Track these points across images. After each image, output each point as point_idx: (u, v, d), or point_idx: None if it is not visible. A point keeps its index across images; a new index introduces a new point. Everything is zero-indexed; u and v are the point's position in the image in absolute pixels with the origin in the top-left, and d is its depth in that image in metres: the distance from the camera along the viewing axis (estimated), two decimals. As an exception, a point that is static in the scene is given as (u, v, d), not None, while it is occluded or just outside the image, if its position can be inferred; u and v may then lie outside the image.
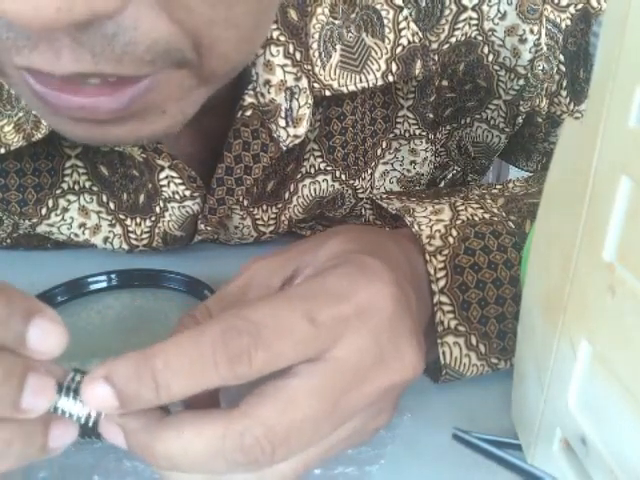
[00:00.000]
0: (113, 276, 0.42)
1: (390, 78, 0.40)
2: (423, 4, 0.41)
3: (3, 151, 0.38)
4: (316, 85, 0.39)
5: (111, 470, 0.28)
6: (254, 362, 0.22)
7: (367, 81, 0.39)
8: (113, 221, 0.44)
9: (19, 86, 0.27)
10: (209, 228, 0.44)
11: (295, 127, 0.39)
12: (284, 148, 0.40)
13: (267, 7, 0.29)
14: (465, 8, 0.41)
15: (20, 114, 0.38)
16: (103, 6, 0.22)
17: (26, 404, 0.22)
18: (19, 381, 0.22)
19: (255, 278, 0.29)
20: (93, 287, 0.41)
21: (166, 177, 0.41)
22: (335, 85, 0.39)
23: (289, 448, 0.23)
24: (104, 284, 0.42)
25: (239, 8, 0.26)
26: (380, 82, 0.40)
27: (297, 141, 0.40)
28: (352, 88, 0.39)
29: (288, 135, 0.39)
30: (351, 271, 0.26)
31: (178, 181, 0.41)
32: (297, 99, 0.38)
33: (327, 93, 0.39)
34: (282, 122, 0.39)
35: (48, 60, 0.24)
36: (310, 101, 0.39)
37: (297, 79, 0.38)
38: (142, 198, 0.43)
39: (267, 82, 0.37)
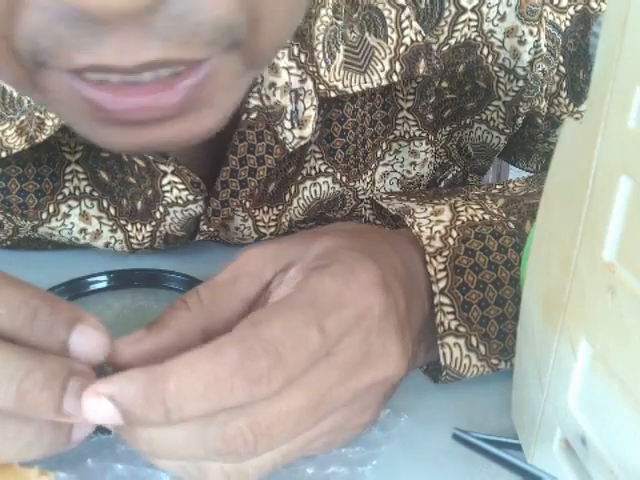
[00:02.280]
0: (113, 276, 0.42)
1: (394, 78, 0.40)
2: (422, 6, 0.41)
3: (4, 155, 0.38)
4: (321, 87, 0.39)
5: (104, 455, 0.28)
6: (274, 382, 0.22)
7: (371, 81, 0.39)
8: (114, 227, 0.44)
9: (59, 96, 0.26)
10: (211, 229, 0.44)
11: (301, 129, 0.39)
12: (290, 150, 0.40)
13: None
14: (464, 10, 0.41)
15: (22, 117, 0.37)
16: None
17: (68, 408, 0.22)
18: (61, 385, 0.22)
19: (248, 267, 0.28)
20: (93, 287, 0.41)
21: (169, 183, 0.41)
22: (340, 86, 0.39)
23: (272, 440, 0.23)
24: (104, 284, 0.42)
25: None
26: (385, 82, 0.40)
27: (303, 143, 0.40)
28: (357, 89, 0.39)
29: (294, 137, 0.39)
30: (343, 271, 0.26)
31: (181, 187, 0.41)
32: (302, 101, 0.38)
33: (332, 94, 0.39)
34: (288, 124, 0.39)
35: (115, 53, 0.23)
36: (315, 103, 0.39)
37: (302, 81, 0.38)
38: (139, 205, 0.43)
39: (272, 84, 0.37)
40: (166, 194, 0.42)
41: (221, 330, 0.27)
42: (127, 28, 0.22)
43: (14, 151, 0.38)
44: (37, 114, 0.37)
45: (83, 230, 0.44)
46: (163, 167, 0.40)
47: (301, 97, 0.38)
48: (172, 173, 0.40)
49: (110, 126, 0.26)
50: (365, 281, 0.26)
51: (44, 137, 0.37)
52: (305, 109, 0.39)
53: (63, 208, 0.43)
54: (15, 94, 0.37)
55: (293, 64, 0.37)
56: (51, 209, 0.43)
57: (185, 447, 0.23)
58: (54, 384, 0.22)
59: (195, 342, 0.26)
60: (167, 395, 0.21)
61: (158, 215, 0.43)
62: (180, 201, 0.42)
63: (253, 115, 0.38)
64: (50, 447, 0.23)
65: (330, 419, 0.25)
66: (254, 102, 0.38)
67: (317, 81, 0.38)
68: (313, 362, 0.23)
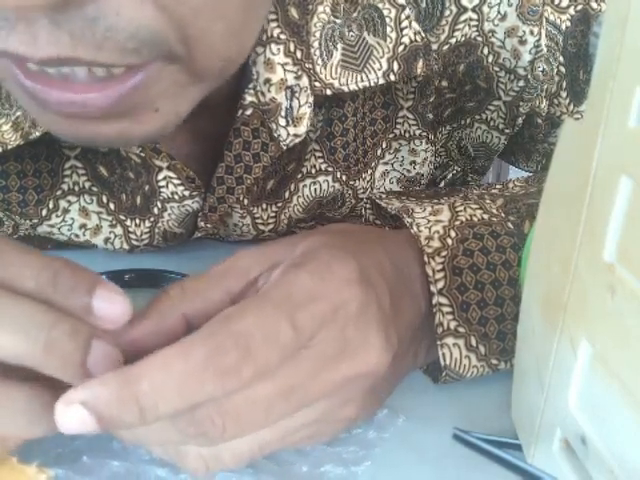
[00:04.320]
0: (112, 276, 0.42)
1: (392, 77, 0.40)
2: (423, 5, 0.41)
3: (0, 150, 0.38)
4: (317, 84, 0.38)
5: (100, 452, 0.29)
6: (244, 376, 0.22)
7: (368, 80, 0.39)
8: (114, 222, 0.44)
9: (10, 82, 0.27)
10: (209, 225, 0.44)
11: (295, 126, 0.39)
12: (284, 147, 0.40)
13: (257, 3, 0.30)
14: (465, 9, 0.41)
15: (18, 113, 0.37)
16: None
17: (91, 366, 0.22)
18: (86, 340, 0.23)
19: (236, 265, 0.29)
20: (92, 287, 0.41)
21: (164, 178, 0.41)
22: (336, 84, 0.39)
23: (240, 425, 0.24)
24: (104, 284, 0.42)
25: None
26: (382, 81, 0.40)
27: (297, 140, 0.40)
28: (353, 87, 0.39)
29: (288, 134, 0.39)
30: (319, 268, 0.26)
31: (177, 182, 0.41)
32: (297, 98, 0.38)
33: (328, 92, 0.39)
34: (282, 121, 0.39)
35: (25, 42, 0.24)
36: (310, 100, 0.39)
37: (298, 78, 0.38)
38: (139, 200, 0.43)
39: (267, 81, 0.37)
40: (162, 189, 0.42)
41: (203, 319, 0.27)
42: (38, 20, 0.23)
43: (9, 147, 0.38)
44: None
45: (83, 226, 0.44)
46: (158, 162, 0.40)
47: (296, 94, 0.38)
48: (167, 168, 0.41)
49: (51, 114, 0.27)
50: (341, 277, 0.26)
51: (38, 134, 0.37)
52: (300, 106, 0.38)
53: (62, 204, 0.43)
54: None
55: (289, 60, 0.37)
56: (51, 205, 0.43)
57: (160, 432, 0.23)
58: (80, 337, 0.22)
59: (178, 330, 0.26)
60: (141, 396, 0.21)
61: (156, 211, 0.43)
62: (176, 197, 0.42)
63: (248, 111, 0.38)
64: (48, 429, 0.23)
65: (309, 411, 0.25)
66: (249, 98, 0.38)
67: (313, 78, 0.38)
68: (285, 355, 0.24)
